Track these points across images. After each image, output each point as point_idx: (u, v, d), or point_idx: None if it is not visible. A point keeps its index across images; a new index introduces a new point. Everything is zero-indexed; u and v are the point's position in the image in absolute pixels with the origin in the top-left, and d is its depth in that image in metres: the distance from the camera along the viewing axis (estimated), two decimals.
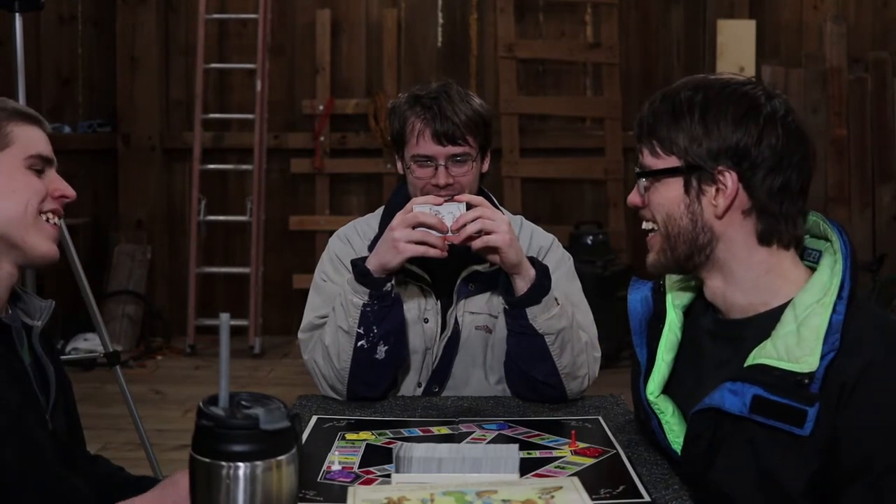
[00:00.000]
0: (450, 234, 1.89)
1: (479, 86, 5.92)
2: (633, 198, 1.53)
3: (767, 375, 1.36)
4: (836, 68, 5.84)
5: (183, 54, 6.08)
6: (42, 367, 1.54)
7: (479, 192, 2.10)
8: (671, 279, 1.62)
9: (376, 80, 6.04)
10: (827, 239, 1.47)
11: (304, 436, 1.72)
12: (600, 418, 1.82)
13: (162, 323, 5.94)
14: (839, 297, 1.37)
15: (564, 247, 2.18)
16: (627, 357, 2.35)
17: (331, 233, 2.24)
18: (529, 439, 1.68)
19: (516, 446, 1.45)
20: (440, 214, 1.90)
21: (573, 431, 1.68)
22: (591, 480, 1.42)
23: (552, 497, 1.28)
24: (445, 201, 1.93)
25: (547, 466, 1.53)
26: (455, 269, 2.04)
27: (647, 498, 1.41)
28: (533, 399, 1.97)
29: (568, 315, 1.94)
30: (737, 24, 5.74)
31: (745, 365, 1.40)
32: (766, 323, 1.42)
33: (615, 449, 1.63)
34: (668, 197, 1.46)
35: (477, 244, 1.89)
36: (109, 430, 4.09)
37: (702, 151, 1.42)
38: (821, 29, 5.94)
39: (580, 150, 5.93)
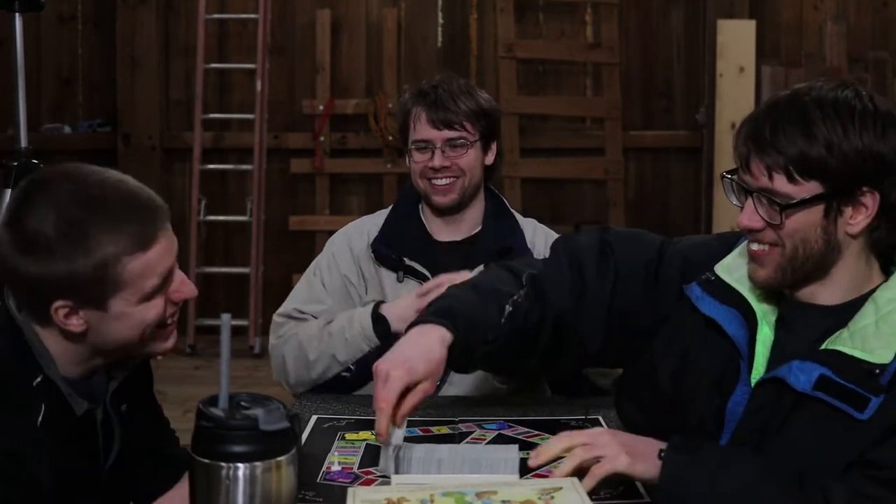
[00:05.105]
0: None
1: (479, 86, 5.84)
2: (754, 222, 1.41)
3: (838, 360, 1.35)
4: (836, 68, 5.83)
5: (183, 54, 6.07)
6: (110, 422, 1.51)
7: (489, 194, 2.13)
8: (754, 294, 1.49)
9: (376, 80, 6.03)
10: None
11: (304, 436, 1.72)
12: (600, 418, 1.82)
13: None
14: None
15: None
16: None
17: (331, 233, 2.24)
18: (529, 439, 1.68)
19: (516, 447, 1.45)
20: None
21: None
22: None
23: (552, 497, 1.27)
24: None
25: (547, 467, 1.53)
26: (458, 269, 2.04)
27: (646, 498, 1.41)
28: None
29: None
30: (737, 24, 5.73)
31: (819, 349, 1.38)
32: (846, 312, 1.41)
33: None
34: (807, 222, 1.38)
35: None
36: None
37: (847, 173, 1.34)
38: (821, 29, 5.93)
39: (580, 150, 5.92)
